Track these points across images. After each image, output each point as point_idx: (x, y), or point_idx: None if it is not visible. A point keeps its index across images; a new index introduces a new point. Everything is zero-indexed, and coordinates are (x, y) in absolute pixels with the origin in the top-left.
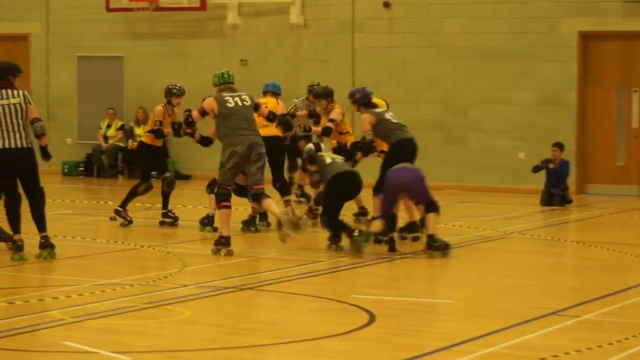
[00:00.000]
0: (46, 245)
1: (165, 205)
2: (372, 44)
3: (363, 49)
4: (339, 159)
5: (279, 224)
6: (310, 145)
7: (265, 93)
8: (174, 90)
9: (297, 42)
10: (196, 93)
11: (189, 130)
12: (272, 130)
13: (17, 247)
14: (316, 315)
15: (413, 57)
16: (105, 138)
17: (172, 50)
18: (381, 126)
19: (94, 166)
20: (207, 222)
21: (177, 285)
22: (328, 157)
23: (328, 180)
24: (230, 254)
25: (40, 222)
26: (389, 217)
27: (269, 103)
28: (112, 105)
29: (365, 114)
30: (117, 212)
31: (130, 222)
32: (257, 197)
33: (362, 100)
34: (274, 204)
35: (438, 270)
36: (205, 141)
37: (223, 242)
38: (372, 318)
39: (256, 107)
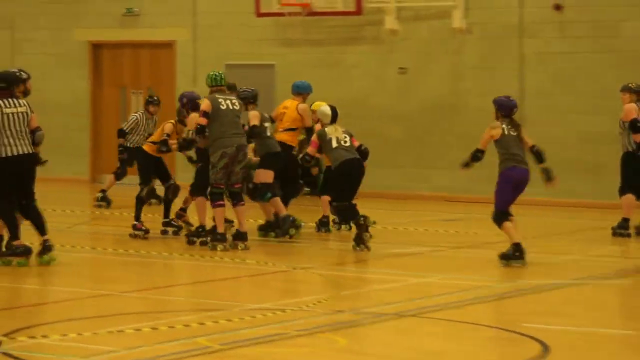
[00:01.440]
0: (48, 249)
1: (167, 214)
2: (542, 49)
3: (532, 55)
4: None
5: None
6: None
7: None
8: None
9: (460, 48)
10: (351, 104)
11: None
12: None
13: (16, 254)
14: (484, 346)
15: (587, 64)
16: None
17: (325, 58)
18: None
19: None
20: (267, 228)
21: (331, 311)
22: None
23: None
24: (226, 249)
25: (42, 226)
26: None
27: (290, 107)
28: None
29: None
30: (134, 227)
31: (147, 231)
32: (236, 195)
33: (189, 105)
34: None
35: (610, 297)
36: (188, 143)
37: (219, 239)
38: (545, 349)
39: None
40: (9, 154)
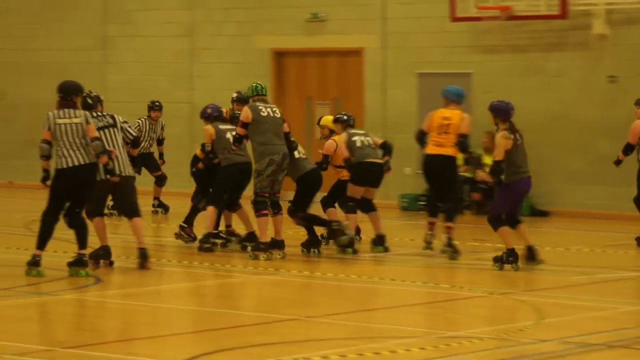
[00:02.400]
0: (82, 263)
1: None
2: None
3: None
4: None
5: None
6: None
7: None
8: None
9: None
10: (554, 115)
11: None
12: (447, 150)
13: (34, 263)
14: None
15: None
16: None
17: (526, 66)
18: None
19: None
20: (377, 241)
21: (535, 340)
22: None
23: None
24: (269, 258)
25: (84, 239)
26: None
27: (454, 117)
28: None
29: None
30: (182, 228)
31: (194, 239)
32: (276, 204)
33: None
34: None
35: None
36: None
37: (262, 248)
38: None
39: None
40: (65, 165)
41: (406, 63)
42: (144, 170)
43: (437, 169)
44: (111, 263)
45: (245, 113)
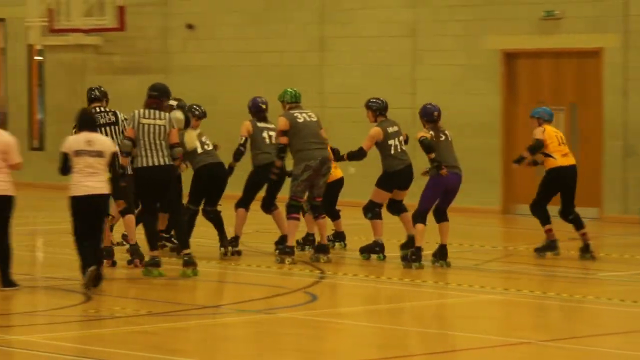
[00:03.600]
0: (189, 263)
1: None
2: None
3: None
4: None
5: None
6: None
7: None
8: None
9: None
10: None
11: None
12: (570, 159)
13: (154, 263)
14: None
15: None
16: None
17: None
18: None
19: None
20: (377, 250)
21: None
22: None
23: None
24: (294, 262)
25: (184, 240)
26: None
27: (550, 132)
28: None
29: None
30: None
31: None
32: (317, 208)
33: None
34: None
35: None
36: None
37: (288, 252)
38: None
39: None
40: (140, 165)
41: None
42: None
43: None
44: (114, 263)
45: (282, 121)
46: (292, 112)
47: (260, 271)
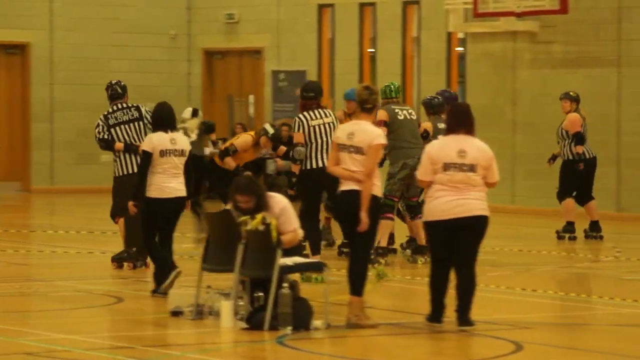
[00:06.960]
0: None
1: None
2: None
3: None
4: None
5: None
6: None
7: None
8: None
9: None
10: None
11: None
12: None
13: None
14: None
15: None
16: None
17: None
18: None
19: None
20: (412, 247)
21: None
22: None
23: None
24: (387, 263)
25: (315, 246)
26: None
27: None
28: None
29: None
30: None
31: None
32: (413, 208)
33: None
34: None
35: None
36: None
37: (380, 253)
38: None
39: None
40: (309, 167)
41: None
42: None
43: None
44: (135, 266)
45: (382, 114)
46: (392, 107)
47: None
